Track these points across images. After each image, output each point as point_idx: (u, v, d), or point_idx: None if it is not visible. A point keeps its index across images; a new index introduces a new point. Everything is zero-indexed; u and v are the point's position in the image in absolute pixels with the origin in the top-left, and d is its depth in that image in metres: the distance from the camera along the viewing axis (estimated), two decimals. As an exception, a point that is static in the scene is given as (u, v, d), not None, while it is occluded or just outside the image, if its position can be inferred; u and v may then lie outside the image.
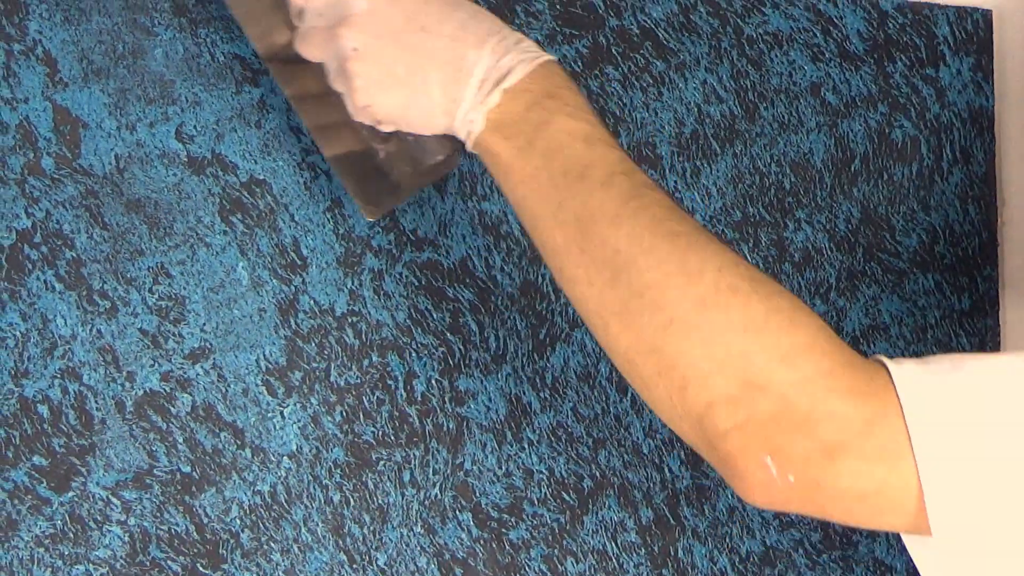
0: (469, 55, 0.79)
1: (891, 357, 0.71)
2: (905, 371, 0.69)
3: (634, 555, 1.02)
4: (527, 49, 0.79)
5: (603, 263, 0.74)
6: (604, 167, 0.75)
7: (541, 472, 0.99)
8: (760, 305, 0.70)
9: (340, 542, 0.94)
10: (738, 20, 1.09)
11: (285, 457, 0.92)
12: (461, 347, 0.98)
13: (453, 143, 0.83)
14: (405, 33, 0.80)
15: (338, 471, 0.94)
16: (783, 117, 1.10)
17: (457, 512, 0.97)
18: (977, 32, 1.19)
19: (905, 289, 1.14)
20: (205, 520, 0.90)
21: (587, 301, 0.75)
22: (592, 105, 0.80)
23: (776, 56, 1.10)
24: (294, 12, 0.84)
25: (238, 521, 0.91)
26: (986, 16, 1.20)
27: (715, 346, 0.70)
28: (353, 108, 0.82)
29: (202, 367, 0.90)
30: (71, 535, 0.87)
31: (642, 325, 0.72)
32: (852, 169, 1.13)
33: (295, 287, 0.93)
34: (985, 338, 1.16)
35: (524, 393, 1.00)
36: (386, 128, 0.83)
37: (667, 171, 1.05)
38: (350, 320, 0.95)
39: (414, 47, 0.80)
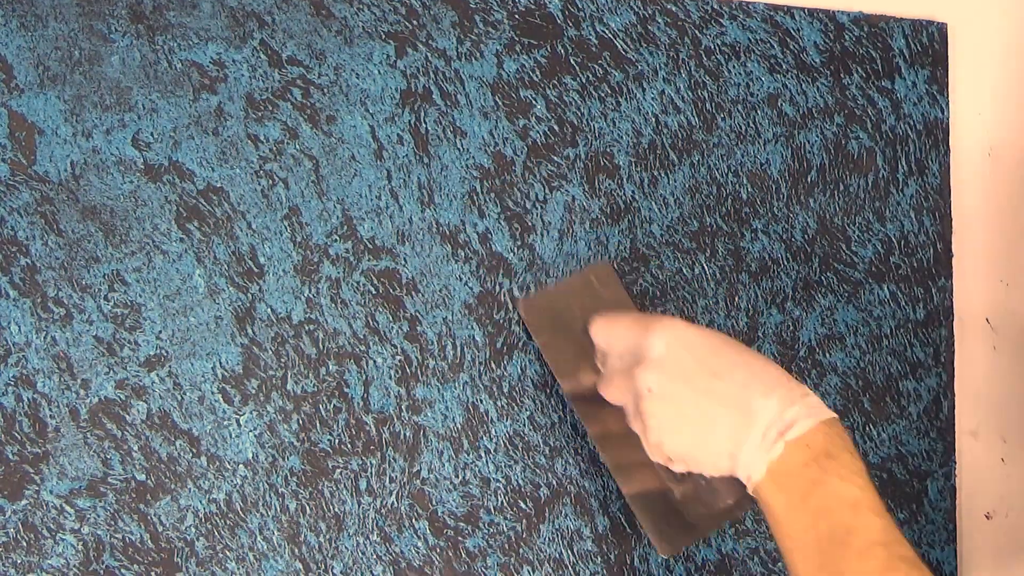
0: (756, 402, 0.83)
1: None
2: None
3: (590, 563, 1.02)
4: (812, 404, 0.84)
5: None
6: (865, 535, 0.79)
7: (498, 480, 1.00)
8: None
9: (296, 550, 0.93)
10: (696, 31, 1.10)
11: (241, 465, 0.92)
12: (418, 355, 0.98)
13: (742, 488, 0.88)
14: (697, 377, 0.85)
15: (294, 479, 0.94)
16: (740, 128, 1.11)
17: (413, 520, 0.97)
18: (932, 45, 1.20)
19: (860, 299, 1.14)
20: (160, 528, 0.90)
21: None
22: (867, 467, 0.83)
23: (734, 67, 1.11)
24: (599, 357, 0.93)
25: (193, 529, 0.91)
26: (941, 29, 1.21)
27: None
28: (647, 445, 0.88)
29: (157, 375, 0.90)
30: (24, 544, 0.86)
31: None
32: (808, 180, 1.13)
33: (252, 295, 0.93)
34: (940, 348, 1.17)
35: (481, 402, 1.00)
36: (677, 467, 0.88)
37: (624, 181, 1.05)
38: (307, 328, 0.95)
39: (705, 391, 0.85)
